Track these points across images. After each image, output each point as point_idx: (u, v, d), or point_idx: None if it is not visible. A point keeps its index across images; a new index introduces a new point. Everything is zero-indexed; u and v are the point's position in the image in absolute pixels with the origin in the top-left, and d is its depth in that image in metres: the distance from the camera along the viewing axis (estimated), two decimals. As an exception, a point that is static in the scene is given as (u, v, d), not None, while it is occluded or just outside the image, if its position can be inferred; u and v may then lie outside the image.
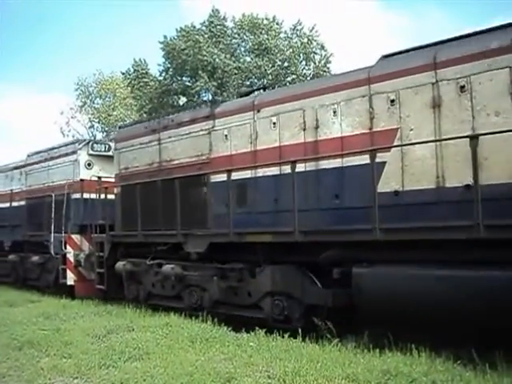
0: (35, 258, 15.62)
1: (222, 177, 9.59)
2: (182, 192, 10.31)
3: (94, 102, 42.70)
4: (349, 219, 7.82)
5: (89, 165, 14.72)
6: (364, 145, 7.77)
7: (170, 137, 11.13)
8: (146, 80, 31.70)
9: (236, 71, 29.38)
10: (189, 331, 8.55)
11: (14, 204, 17.59)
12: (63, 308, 11.85)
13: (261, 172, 9.23)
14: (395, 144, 7.49)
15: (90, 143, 15.01)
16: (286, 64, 30.68)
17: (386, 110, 7.68)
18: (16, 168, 18.10)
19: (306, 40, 31.79)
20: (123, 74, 33.92)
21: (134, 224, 11.34)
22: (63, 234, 14.20)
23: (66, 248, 14.09)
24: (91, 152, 14.80)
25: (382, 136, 7.66)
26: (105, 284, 12.52)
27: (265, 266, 9.17)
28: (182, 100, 31.89)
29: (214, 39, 30.32)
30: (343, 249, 7.88)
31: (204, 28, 30.94)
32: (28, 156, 17.72)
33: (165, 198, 10.81)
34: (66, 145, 16.15)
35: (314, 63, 32.03)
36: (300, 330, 8.11)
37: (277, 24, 32.00)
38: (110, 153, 14.30)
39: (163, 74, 31.92)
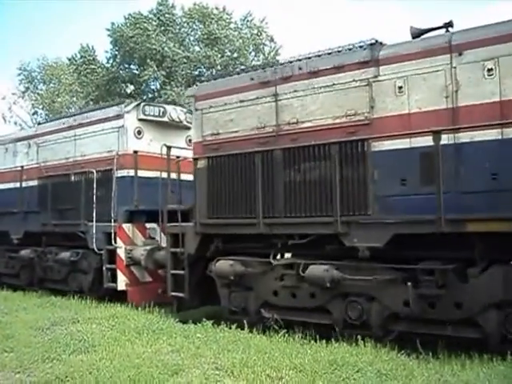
0: (65, 255, 11.87)
1: (396, 144, 7.21)
2: (326, 166, 7.79)
3: (37, 88, 41.58)
4: None
5: (139, 133, 11.46)
6: None
7: (294, 91, 8.33)
8: (93, 67, 31.19)
9: (185, 60, 29.20)
10: (135, 323, 8.45)
11: (23, 185, 13.80)
12: (4, 300, 11.50)
13: (466, 137, 6.77)
14: None
15: (141, 105, 11.54)
16: (235, 55, 30.71)
17: None
18: (21, 139, 14.20)
19: (256, 31, 31.89)
20: (69, 59, 33.20)
21: (241, 209, 8.61)
22: (113, 224, 10.82)
23: (115, 241, 10.80)
24: (142, 116, 11.48)
25: None
26: (185, 290, 9.29)
27: (483, 265, 6.70)
28: (130, 88, 31.51)
29: (163, 28, 30.07)
30: None
31: (152, 16, 30.59)
32: (39, 124, 14.23)
33: (296, 173, 8.10)
34: (105, 107, 12.55)
35: (264, 54, 32.19)
36: (245, 321, 8.13)
37: (227, 14, 31.96)
38: (166, 118, 11.69)
39: (110, 61, 31.45)
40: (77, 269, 11.77)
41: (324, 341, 7.06)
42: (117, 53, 31.05)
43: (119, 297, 10.58)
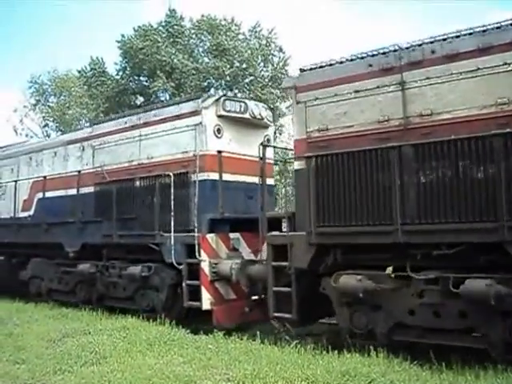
0: (134, 269, 10.33)
1: None
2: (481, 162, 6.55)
3: (48, 101, 41.93)
4: None
5: (218, 131, 10.02)
6: None
7: (427, 78, 7.15)
8: (103, 79, 31.38)
9: (194, 72, 29.31)
10: (146, 334, 8.43)
11: (74, 192, 12.21)
12: (16, 312, 11.47)
13: None
14: None
15: (221, 100, 10.08)
16: (244, 65, 30.76)
17: None
18: (73, 142, 12.66)
19: (264, 42, 31.99)
20: (79, 72, 33.45)
21: (370, 215, 7.33)
22: (196, 234, 9.32)
23: (199, 254, 9.32)
24: (222, 113, 10.03)
25: None
26: (293, 310, 7.98)
27: None
28: (140, 100, 31.67)
29: (172, 39, 30.21)
30: None
31: (161, 28, 30.78)
32: (95, 124, 12.83)
33: (436, 171, 6.84)
34: (176, 103, 10.81)
35: (273, 65, 32.25)
36: (258, 333, 8.06)
37: (235, 25, 32.10)
38: (247, 115, 10.34)
39: (120, 73, 31.65)
40: (147, 285, 10.35)
41: (336, 351, 7.01)
42: (126, 65, 31.23)
43: (198, 317, 9.49)
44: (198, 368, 6.55)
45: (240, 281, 9.19)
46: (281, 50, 32.61)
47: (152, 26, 30.54)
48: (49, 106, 41.50)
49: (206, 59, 31.42)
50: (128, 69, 31.21)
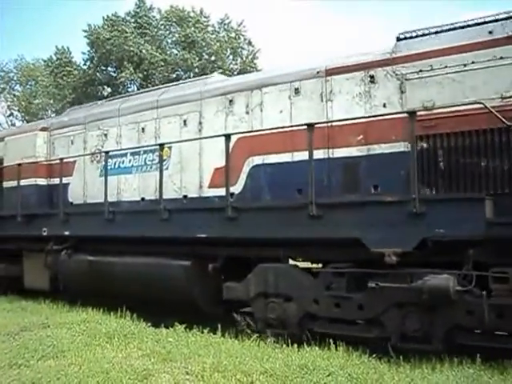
0: None
1: None
2: None
3: (13, 89, 41.14)
4: None
5: None
6: None
7: None
8: (69, 69, 30.91)
9: (162, 63, 29.10)
10: (106, 327, 8.30)
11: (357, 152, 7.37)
12: (-27, 305, 11.26)
13: None
14: None
15: None
16: (213, 58, 30.69)
17: None
18: (346, 70, 7.59)
19: (233, 35, 31.95)
20: (45, 61, 32.91)
21: None
22: None
23: None
24: None
25: None
26: None
27: None
28: (107, 90, 31.32)
29: (140, 30, 29.94)
30: None
31: (129, 18, 30.50)
32: (401, 40, 7.37)
33: None
34: None
35: (241, 58, 32.23)
36: (219, 326, 8.04)
37: (204, 17, 31.97)
38: None
39: (87, 63, 31.25)
40: None
41: (296, 345, 7.00)
42: (94, 55, 30.86)
43: None
44: (157, 361, 6.49)
45: None
46: (250, 43, 32.65)
47: (119, 17, 30.25)
48: (14, 94, 40.73)
49: (175, 51, 31.28)
50: (95, 59, 30.83)
